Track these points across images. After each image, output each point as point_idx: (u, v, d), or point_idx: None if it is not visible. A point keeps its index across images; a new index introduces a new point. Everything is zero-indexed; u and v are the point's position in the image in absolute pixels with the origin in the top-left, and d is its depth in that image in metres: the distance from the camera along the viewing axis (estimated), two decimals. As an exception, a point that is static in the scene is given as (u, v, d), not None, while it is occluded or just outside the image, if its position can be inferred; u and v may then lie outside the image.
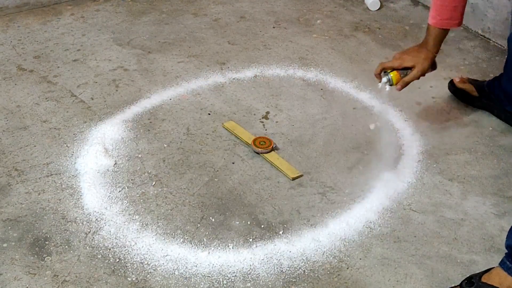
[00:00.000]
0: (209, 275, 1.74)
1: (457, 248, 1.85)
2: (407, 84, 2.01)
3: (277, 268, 1.77)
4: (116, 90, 2.55)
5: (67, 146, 2.22)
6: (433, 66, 2.05)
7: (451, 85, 2.52)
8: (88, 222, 1.90)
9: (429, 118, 2.44)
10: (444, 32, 2.00)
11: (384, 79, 2.01)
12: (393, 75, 2.00)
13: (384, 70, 2.02)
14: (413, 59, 1.99)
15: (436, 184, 2.10)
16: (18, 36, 2.94)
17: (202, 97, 2.53)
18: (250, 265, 1.77)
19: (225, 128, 2.34)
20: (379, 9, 3.29)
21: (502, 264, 1.64)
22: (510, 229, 1.63)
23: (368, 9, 3.29)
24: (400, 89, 2.01)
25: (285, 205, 1.99)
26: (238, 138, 2.28)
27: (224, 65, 2.75)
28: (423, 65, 1.99)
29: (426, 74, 2.04)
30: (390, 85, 2.01)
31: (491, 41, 3.00)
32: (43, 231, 1.86)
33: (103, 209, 1.95)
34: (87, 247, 1.81)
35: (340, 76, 2.69)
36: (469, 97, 2.46)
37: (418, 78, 2.01)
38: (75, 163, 2.14)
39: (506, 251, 1.64)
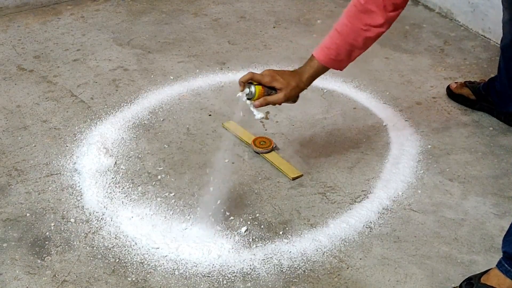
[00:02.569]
0: (209, 275, 1.74)
1: (458, 248, 1.85)
2: (267, 103, 1.83)
3: (277, 268, 1.77)
4: (116, 90, 2.55)
5: (67, 146, 2.22)
6: (295, 98, 1.91)
7: (449, 90, 2.54)
8: (88, 222, 1.90)
9: (429, 118, 2.44)
10: (325, 70, 1.88)
11: (247, 90, 1.81)
12: (257, 89, 1.81)
13: (250, 82, 1.83)
14: (283, 83, 1.82)
15: (436, 184, 2.10)
16: (18, 36, 2.94)
17: (202, 97, 2.52)
18: (250, 265, 1.77)
19: (225, 128, 2.34)
20: None
21: (499, 266, 1.64)
22: (506, 233, 1.63)
23: None
24: (258, 106, 1.82)
25: (285, 205, 1.99)
26: (238, 138, 2.28)
27: (224, 65, 2.75)
28: (290, 92, 1.84)
29: (298, 101, 1.92)
30: (249, 98, 1.82)
31: (491, 41, 2.99)
32: (43, 231, 1.86)
33: (103, 209, 1.94)
34: (87, 247, 1.81)
35: (340, 76, 2.69)
36: (467, 101, 2.48)
37: (280, 103, 1.86)
38: (75, 163, 2.14)
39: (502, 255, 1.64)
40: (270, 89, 1.84)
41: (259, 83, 1.83)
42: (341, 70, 1.90)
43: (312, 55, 1.87)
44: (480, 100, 2.44)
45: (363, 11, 1.73)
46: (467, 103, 2.49)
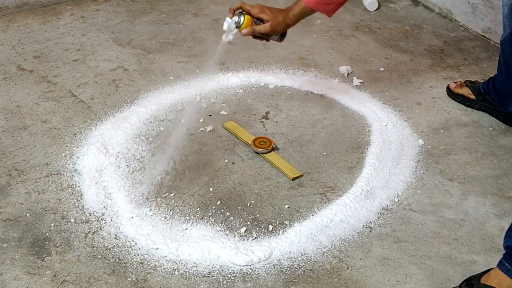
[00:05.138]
0: (209, 275, 1.74)
1: (457, 248, 1.85)
2: (253, 33, 1.97)
3: (277, 268, 1.77)
4: (116, 90, 2.55)
5: (67, 146, 2.22)
6: (282, 35, 2.04)
7: (448, 90, 2.55)
8: (88, 222, 1.90)
9: (429, 118, 2.44)
10: (311, 12, 2.01)
11: (236, 18, 1.94)
12: (246, 18, 1.94)
13: (240, 11, 1.96)
14: (271, 15, 1.95)
15: (436, 184, 2.10)
16: (18, 36, 2.94)
17: (202, 97, 2.52)
18: (250, 265, 1.77)
19: (225, 128, 2.34)
20: (377, 9, 3.29)
21: (500, 265, 1.64)
22: (508, 228, 1.63)
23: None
24: (245, 35, 1.97)
25: (285, 205, 1.99)
26: (238, 138, 2.28)
27: (224, 65, 2.75)
28: (276, 25, 1.96)
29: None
30: (237, 27, 1.95)
31: (491, 41, 3.00)
32: (43, 231, 1.86)
33: (103, 209, 1.94)
34: (87, 247, 1.81)
35: (340, 76, 2.69)
36: (467, 100, 2.48)
37: (265, 34, 1.99)
38: (75, 163, 2.14)
39: (505, 251, 1.64)
40: (258, 20, 1.96)
41: (248, 13, 1.95)
42: (328, 15, 2.01)
43: None
44: (479, 99, 2.45)
45: None
46: (467, 103, 2.49)
